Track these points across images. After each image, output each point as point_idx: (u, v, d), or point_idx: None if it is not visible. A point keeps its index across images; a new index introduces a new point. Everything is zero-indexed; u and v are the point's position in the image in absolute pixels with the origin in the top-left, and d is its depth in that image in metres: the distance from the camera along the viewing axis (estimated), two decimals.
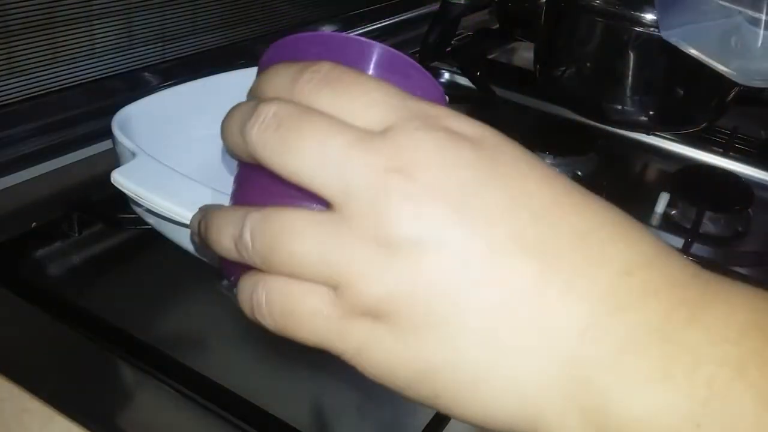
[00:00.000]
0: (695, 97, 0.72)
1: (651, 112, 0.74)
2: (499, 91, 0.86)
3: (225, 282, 0.49)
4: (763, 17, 0.59)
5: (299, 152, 0.21)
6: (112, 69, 0.66)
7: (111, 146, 0.44)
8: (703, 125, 0.75)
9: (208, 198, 0.37)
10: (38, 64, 0.60)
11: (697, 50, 0.60)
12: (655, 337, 0.19)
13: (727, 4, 0.59)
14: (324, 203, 0.21)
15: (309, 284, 0.21)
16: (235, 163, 0.25)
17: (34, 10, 0.58)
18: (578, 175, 0.69)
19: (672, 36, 0.61)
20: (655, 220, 0.63)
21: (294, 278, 0.21)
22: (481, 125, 0.22)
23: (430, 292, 0.20)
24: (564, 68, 0.77)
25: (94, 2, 0.62)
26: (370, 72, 0.24)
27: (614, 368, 0.19)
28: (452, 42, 0.92)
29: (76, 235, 0.52)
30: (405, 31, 1.02)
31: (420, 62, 0.24)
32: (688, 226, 0.60)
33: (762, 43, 0.58)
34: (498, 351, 0.20)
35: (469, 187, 0.20)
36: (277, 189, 0.22)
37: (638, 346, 0.19)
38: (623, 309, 0.20)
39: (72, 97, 0.63)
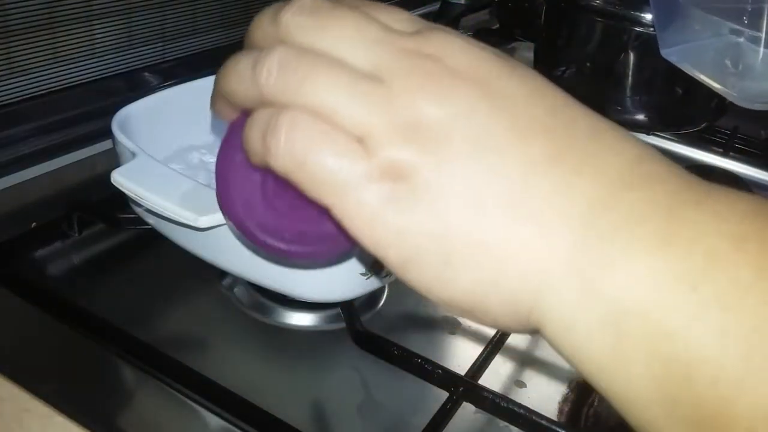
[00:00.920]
0: (695, 97, 0.72)
1: (651, 112, 0.74)
2: None
3: (225, 282, 0.49)
4: (763, 36, 0.59)
5: (336, 28, 0.22)
6: (112, 69, 0.66)
7: (111, 146, 0.44)
8: (703, 125, 0.75)
9: (208, 198, 0.37)
10: (38, 64, 0.60)
11: (696, 70, 0.60)
12: (661, 213, 0.20)
13: (727, 23, 0.59)
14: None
15: (337, 130, 0.21)
16: None
17: (34, 10, 0.58)
18: None
19: (671, 55, 0.61)
20: None
21: (320, 118, 0.22)
22: None
23: (455, 157, 0.21)
24: (564, 68, 0.77)
25: (94, 2, 0.62)
26: None
27: (617, 237, 0.20)
28: None
29: (76, 235, 0.52)
30: None
31: None
32: None
33: (762, 61, 0.58)
34: (510, 218, 0.21)
35: (494, 73, 0.22)
36: None
37: (643, 218, 0.20)
38: (632, 188, 0.21)
39: (72, 97, 0.63)
